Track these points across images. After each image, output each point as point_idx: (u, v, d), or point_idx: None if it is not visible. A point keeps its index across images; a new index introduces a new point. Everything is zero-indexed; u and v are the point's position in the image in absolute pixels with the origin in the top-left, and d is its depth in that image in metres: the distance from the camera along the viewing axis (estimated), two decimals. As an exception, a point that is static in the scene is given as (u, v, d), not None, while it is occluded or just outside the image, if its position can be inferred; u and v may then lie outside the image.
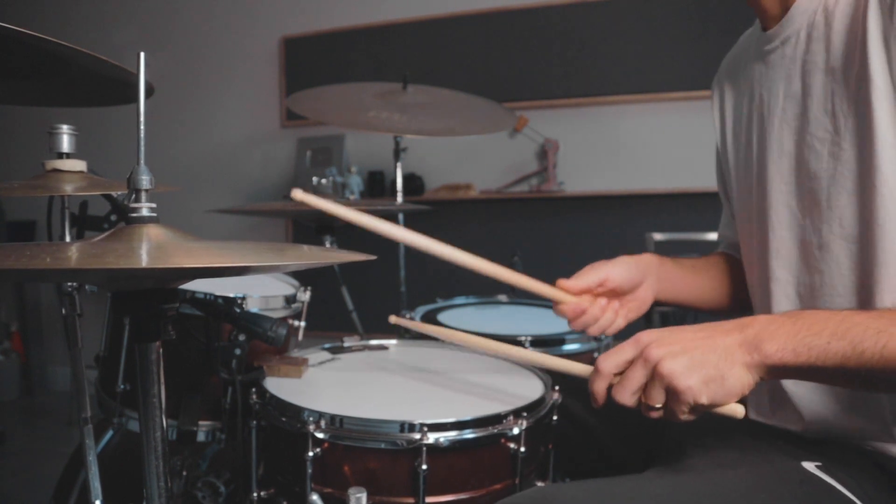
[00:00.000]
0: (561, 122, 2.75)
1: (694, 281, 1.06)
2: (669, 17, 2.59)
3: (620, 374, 0.70)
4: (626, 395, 0.68)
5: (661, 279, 1.00)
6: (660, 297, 1.00)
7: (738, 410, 0.67)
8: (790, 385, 0.84)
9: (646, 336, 0.69)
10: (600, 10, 2.66)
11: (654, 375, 0.66)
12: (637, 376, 0.67)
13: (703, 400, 0.64)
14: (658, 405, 0.67)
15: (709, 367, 0.64)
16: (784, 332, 0.64)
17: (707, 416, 0.68)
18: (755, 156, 0.90)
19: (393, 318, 1.02)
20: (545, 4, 2.73)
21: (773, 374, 0.65)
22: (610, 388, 0.70)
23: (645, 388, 0.68)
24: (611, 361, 0.70)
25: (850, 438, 0.80)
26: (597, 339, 1.45)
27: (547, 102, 2.76)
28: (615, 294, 0.96)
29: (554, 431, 0.97)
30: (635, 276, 0.96)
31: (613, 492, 0.69)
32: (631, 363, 0.69)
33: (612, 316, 0.94)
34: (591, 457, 1.05)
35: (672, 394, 0.65)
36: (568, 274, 0.94)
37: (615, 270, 0.94)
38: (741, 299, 1.02)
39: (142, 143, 0.61)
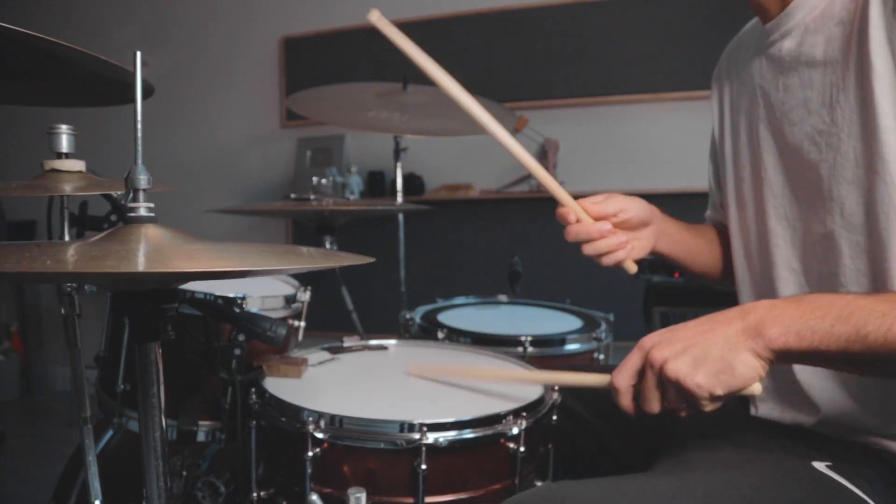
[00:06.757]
0: (561, 122, 2.74)
1: (691, 240, 1.07)
2: (670, 16, 2.59)
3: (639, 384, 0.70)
4: (650, 404, 0.69)
5: (661, 230, 1.01)
6: (657, 249, 1.01)
7: (756, 389, 0.66)
8: (805, 376, 0.83)
9: (648, 341, 0.69)
10: (600, 10, 2.66)
11: (664, 379, 0.66)
12: (650, 384, 0.68)
13: (719, 392, 0.64)
14: (681, 406, 0.67)
15: (714, 359, 0.64)
16: (787, 316, 0.63)
17: (710, 414, 0.68)
18: (755, 148, 0.90)
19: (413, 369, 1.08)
20: (545, 4, 2.73)
21: (779, 359, 0.65)
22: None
23: (662, 393, 0.68)
24: (623, 375, 0.70)
25: (861, 434, 0.80)
26: (596, 339, 1.45)
27: (547, 102, 2.76)
28: (623, 227, 0.95)
29: (554, 431, 0.97)
30: (646, 215, 0.96)
31: (624, 490, 0.69)
32: (642, 372, 0.69)
33: (614, 243, 0.90)
34: (590, 456, 1.05)
35: (686, 393, 0.65)
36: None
37: (632, 204, 0.94)
38: (731, 267, 1.02)
39: (139, 142, 0.61)
